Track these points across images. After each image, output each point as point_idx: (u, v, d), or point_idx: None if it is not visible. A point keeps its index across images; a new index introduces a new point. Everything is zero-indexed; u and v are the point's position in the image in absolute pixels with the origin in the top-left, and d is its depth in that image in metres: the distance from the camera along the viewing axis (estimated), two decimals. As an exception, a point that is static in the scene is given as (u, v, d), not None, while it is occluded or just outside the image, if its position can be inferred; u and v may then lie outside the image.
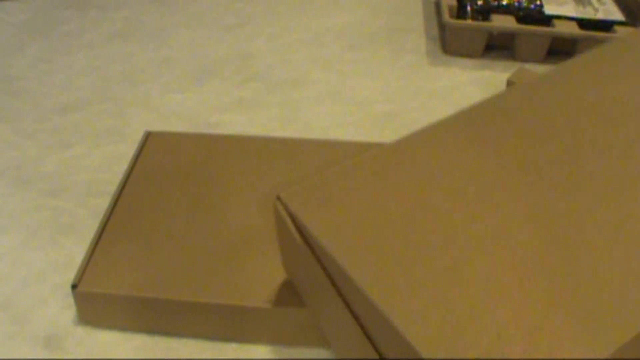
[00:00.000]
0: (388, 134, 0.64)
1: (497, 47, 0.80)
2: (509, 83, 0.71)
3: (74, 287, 0.43)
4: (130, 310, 0.44)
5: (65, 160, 0.60)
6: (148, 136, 0.57)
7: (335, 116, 0.67)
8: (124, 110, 0.67)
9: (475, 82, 0.74)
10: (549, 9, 0.79)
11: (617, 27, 0.77)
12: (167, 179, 0.52)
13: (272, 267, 0.44)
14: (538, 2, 0.80)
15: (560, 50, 0.79)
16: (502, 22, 0.77)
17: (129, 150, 0.59)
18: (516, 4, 0.79)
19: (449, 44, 0.79)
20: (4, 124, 0.65)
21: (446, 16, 0.78)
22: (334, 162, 0.53)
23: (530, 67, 0.74)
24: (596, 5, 0.80)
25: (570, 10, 0.79)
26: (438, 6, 0.89)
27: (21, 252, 0.50)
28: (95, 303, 0.44)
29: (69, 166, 0.59)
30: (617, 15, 0.79)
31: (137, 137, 0.60)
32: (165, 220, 0.48)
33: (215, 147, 0.55)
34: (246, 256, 0.45)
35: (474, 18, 0.79)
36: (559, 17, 0.78)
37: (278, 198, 0.37)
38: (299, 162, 0.54)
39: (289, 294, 0.43)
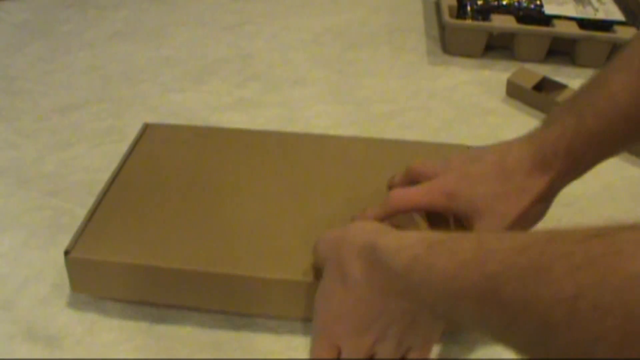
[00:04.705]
0: (388, 134, 0.64)
1: (497, 47, 0.80)
2: (509, 83, 0.71)
3: (66, 253, 0.42)
4: (123, 278, 0.43)
5: (65, 160, 0.60)
6: (146, 128, 0.56)
7: (335, 116, 0.67)
8: (124, 109, 0.67)
9: (475, 82, 0.74)
10: (549, 9, 0.79)
11: (617, 27, 0.77)
12: (163, 165, 0.52)
13: (267, 238, 0.44)
14: (538, 2, 0.80)
15: (560, 50, 0.79)
16: (502, 22, 0.77)
17: (129, 150, 0.59)
18: (516, 4, 0.79)
19: (449, 43, 0.79)
20: (4, 124, 0.65)
21: (446, 16, 0.78)
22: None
23: (530, 67, 0.74)
24: (596, 5, 0.80)
25: (570, 10, 0.79)
26: (438, 6, 0.89)
27: (21, 252, 0.50)
28: (88, 270, 0.43)
29: (69, 166, 0.59)
30: (617, 15, 0.79)
31: (137, 136, 0.60)
32: (161, 198, 0.48)
33: (212, 139, 0.55)
34: (241, 228, 0.45)
35: (474, 18, 0.79)
36: (558, 17, 0.78)
37: None
38: (294, 155, 0.54)
39: (283, 265, 0.42)
